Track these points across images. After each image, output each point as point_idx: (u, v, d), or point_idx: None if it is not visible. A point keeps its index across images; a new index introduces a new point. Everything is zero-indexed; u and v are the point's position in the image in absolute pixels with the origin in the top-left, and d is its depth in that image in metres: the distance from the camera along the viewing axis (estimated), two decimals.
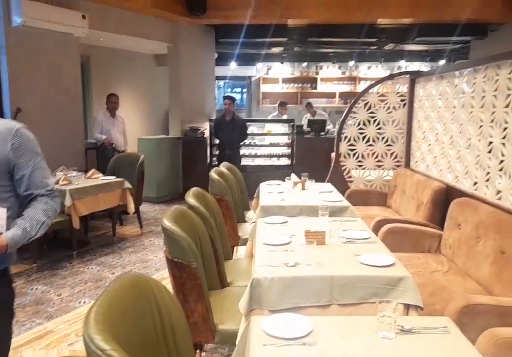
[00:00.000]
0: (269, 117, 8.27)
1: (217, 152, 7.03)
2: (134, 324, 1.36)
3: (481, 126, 3.19)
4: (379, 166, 5.04)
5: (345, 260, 2.20)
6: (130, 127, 6.77)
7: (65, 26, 4.88)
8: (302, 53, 9.36)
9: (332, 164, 5.23)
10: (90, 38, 5.77)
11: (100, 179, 4.66)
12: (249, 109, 10.63)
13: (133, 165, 5.08)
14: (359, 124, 5.03)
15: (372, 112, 4.99)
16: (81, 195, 4.21)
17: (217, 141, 6.96)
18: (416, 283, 2.02)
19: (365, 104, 4.98)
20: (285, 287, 2.02)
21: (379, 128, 5.00)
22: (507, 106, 2.85)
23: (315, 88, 10.34)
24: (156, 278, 1.58)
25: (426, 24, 6.74)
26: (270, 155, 7.45)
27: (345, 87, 10.34)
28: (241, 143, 6.85)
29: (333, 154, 5.29)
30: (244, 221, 4.02)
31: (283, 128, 7.68)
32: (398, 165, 4.94)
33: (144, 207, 6.25)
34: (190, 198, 2.69)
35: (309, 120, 7.76)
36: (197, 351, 2.23)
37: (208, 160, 7.25)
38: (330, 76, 10.37)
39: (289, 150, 7.31)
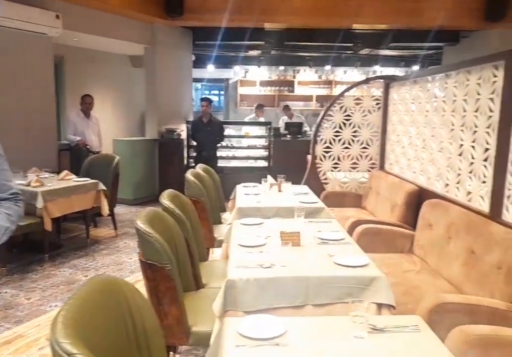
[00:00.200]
0: (246, 120, 8.28)
1: (194, 154, 7.00)
2: (105, 328, 1.34)
3: (452, 130, 3.27)
4: (354, 168, 5.11)
5: (320, 260, 2.22)
6: (105, 128, 6.67)
7: (39, 26, 4.79)
8: (279, 57, 9.43)
9: (308, 166, 5.27)
10: (65, 38, 5.67)
11: (74, 180, 4.57)
12: (226, 112, 10.62)
13: (107, 167, 5.00)
14: (335, 127, 5.08)
15: (347, 115, 5.05)
16: (54, 197, 4.12)
17: (194, 143, 6.94)
18: (389, 283, 2.05)
19: (341, 108, 5.04)
20: (259, 288, 2.02)
21: (355, 131, 5.07)
22: (476, 110, 2.93)
23: (292, 91, 10.41)
24: (130, 281, 1.57)
25: (401, 30, 6.88)
26: (247, 158, 7.46)
27: (322, 91, 10.45)
28: (218, 145, 6.84)
29: (309, 157, 5.33)
30: (221, 223, 4.01)
31: (260, 130, 7.70)
32: (373, 168, 5.02)
33: (119, 209, 6.16)
34: (164, 200, 2.66)
35: (286, 123, 7.82)
36: (171, 353, 2.21)
37: (185, 162, 7.21)
38: (307, 80, 10.46)
39: (266, 153, 7.33)
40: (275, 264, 2.14)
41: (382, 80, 4.95)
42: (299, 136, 7.30)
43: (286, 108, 8.56)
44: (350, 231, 3.30)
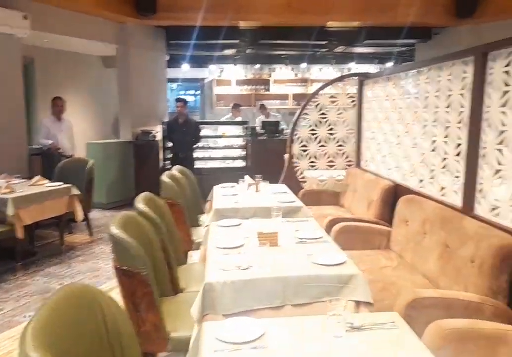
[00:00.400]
0: (223, 120, 8.24)
1: (170, 155, 6.93)
2: (77, 337, 1.31)
3: (425, 126, 3.31)
4: (331, 166, 5.13)
5: (298, 260, 2.21)
6: (78, 131, 6.54)
7: (5, 26, 4.67)
8: (255, 55, 9.41)
9: (285, 165, 5.28)
10: (35, 39, 5.53)
11: (46, 185, 4.46)
12: (203, 112, 10.55)
13: (81, 171, 4.91)
14: (311, 126, 5.10)
15: (323, 113, 5.07)
16: (25, 203, 4.01)
17: (170, 144, 6.86)
18: (366, 280, 2.06)
19: (317, 106, 5.06)
20: (238, 290, 2.00)
21: (331, 129, 5.10)
22: (448, 106, 2.97)
23: (268, 90, 10.41)
24: (107, 287, 1.53)
25: (374, 27, 6.95)
26: (225, 158, 7.42)
27: (298, 89, 10.48)
28: (195, 146, 6.78)
29: (286, 156, 5.33)
30: (198, 225, 3.97)
31: (237, 130, 7.68)
32: (349, 165, 5.05)
33: (94, 214, 6.04)
34: (139, 203, 2.61)
35: (262, 122, 7.80)
36: None
37: (161, 163, 7.12)
38: (283, 78, 10.48)
39: (244, 152, 7.31)
40: (253, 265, 2.13)
41: (356, 78, 4.98)
42: (276, 135, 7.30)
43: (263, 107, 8.56)
44: (328, 229, 3.31)
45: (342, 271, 2.08)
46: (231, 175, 6.10)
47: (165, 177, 3.63)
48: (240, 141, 7.47)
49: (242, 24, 6.46)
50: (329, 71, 10.49)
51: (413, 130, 3.54)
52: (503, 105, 2.40)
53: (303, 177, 5.18)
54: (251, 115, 9.49)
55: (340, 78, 5.20)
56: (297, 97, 10.35)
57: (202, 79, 10.37)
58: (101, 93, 8.01)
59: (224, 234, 2.68)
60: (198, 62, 9.54)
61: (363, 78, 4.86)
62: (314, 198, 4.75)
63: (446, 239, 2.58)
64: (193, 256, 3.82)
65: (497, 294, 2.12)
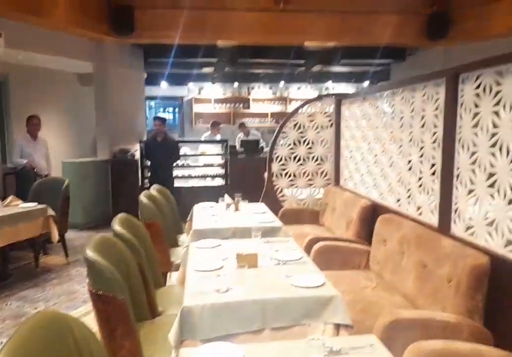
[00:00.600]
0: (202, 138, 8.23)
1: (149, 174, 6.86)
2: None
3: (401, 145, 3.37)
4: (311, 185, 5.16)
5: (277, 282, 2.20)
6: (55, 150, 6.43)
7: None
8: (233, 74, 9.50)
9: (265, 184, 5.28)
10: (9, 56, 5.45)
11: (20, 206, 4.35)
12: (182, 130, 10.53)
13: (57, 191, 4.80)
14: (290, 144, 5.14)
15: (302, 132, 5.12)
16: None
17: (149, 163, 6.80)
18: (345, 301, 2.06)
19: (295, 125, 5.11)
20: (216, 314, 1.97)
21: (309, 148, 5.14)
22: (423, 126, 3.04)
23: (248, 108, 10.49)
24: (83, 311, 1.49)
25: (350, 47, 7.12)
26: (204, 176, 7.39)
27: (277, 107, 10.59)
28: (174, 164, 6.74)
29: (266, 174, 5.34)
30: (178, 245, 3.92)
31: (217, 148, 7.68)
32: (328, 184, 5.09)
33: (70, 234, 5.89)
34: (116, 225, 2.57)
35: (242, 141, 7.83)
36: None
37: (140, 183, 7.04)
38: (261, 97, 10.58)
39: (223, 171, 7.30)
40: (232, 287, 2.10)
41: (333, 97, 5.06)
42: (256, 153, 7.32)
43: (242, 126, 8.60)
44: (308, 249, 3.30)
45: (321, 293, 2.07)
46: (211, 193, 6.08)
47: (143, 197, 3.59)
48: (219, 160, 7.47)
49: (220, 43, 6.53)
50: (306, 90, 10.65)
51: (389, 149, 3.60)
52: (475, 126, 2.47)
53: (283, 196, 5.20)
54: (231, 133, 9.52)
55: (318, 98, 5.27)
56: (276, 115, 10.45)
57: (181, 97, 10.38)
58: (78, 111, 7.92)
59: (203, 255, 2.65)
60: (177, 80, 9.57)
61: (340, 98, 4.95)
62: (294, 217, 4.75)
63: (423, 258, 2.60)
64: (173, 277, 3.76)
65: (473, 313, 2.14)
